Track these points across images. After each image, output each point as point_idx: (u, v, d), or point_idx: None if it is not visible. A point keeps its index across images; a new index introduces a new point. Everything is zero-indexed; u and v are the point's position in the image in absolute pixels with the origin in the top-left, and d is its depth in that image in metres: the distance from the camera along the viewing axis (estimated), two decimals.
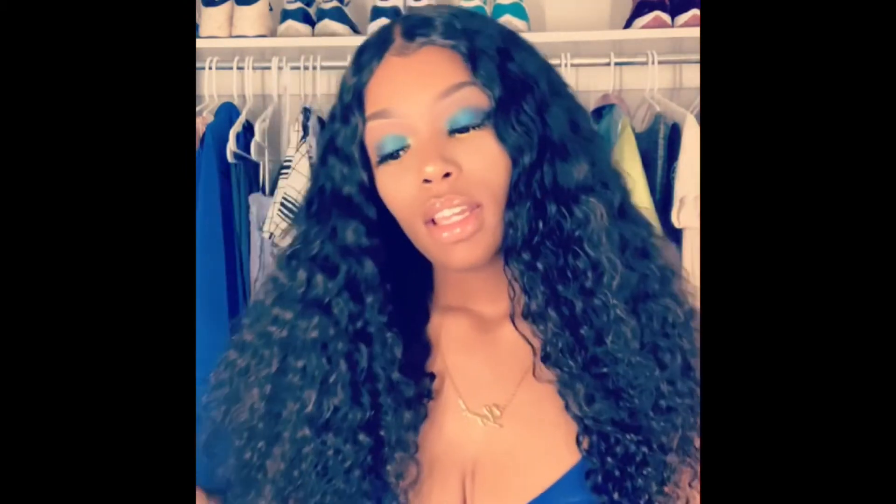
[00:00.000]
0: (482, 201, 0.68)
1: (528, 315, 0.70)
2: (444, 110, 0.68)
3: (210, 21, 1.87)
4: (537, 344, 0.71)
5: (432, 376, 0.74)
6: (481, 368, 0.75)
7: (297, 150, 1.74)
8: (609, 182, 0.71)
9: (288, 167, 1.75)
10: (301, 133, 1.75)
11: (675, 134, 1.72)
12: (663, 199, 1.72)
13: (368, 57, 0.71)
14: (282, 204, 1.72)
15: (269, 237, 1.72)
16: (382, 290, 0.72)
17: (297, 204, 1.72)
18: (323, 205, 0.73)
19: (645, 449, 0.68)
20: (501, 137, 0.67)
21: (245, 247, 1.80)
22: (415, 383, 0.72)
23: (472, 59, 0.68)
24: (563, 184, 0.68)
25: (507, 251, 0.69)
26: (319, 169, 0.74)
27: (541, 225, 0.68)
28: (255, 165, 1.84)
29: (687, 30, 1.83)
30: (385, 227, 0.72)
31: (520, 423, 0.73)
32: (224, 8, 1.88)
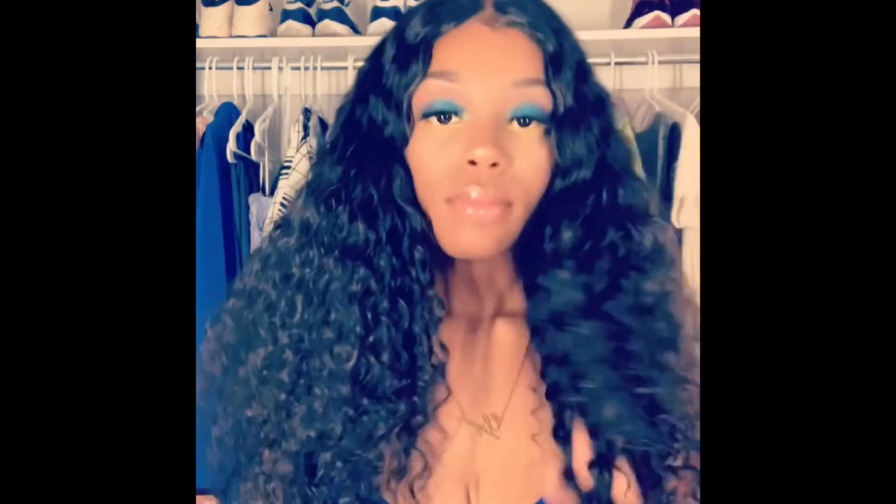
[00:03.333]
0: (514, 201, 0.65)
1: (556, 325, 0.67)
2: (513, 98, 0.64)
3: (210, 21, 1.87)
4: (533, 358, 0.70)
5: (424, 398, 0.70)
6: (476, 375, 0.73)
7: (298, 150, 1.74)
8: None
9: (288, 167, 1.75)
10: (301, 133, 1.76)
11: (675, 134, 1.72)
12: (663, 199, 1.72)
13: (449, 12, 0.67)
14: (282, 204, 1.71)
15: None
16: (428, 246, 0.67)
17: None
18: (364, 146, 0.68)
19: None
20: (560, 144, 0.65)
21: (245, 247, 1.80)
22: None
23: (555, 62, 0.66)
24: (628, 205, 0.68)
25: (549, 260, 0.67)
26: (356, 105, 0.69)
27: (589, 242, 0.67)
28: (255, 165, 1.84)
29: (687, 30, 1.83)
30: None
31: (517, 430, 0.71)
32: (224, 8, 1.88)
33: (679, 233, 1.70)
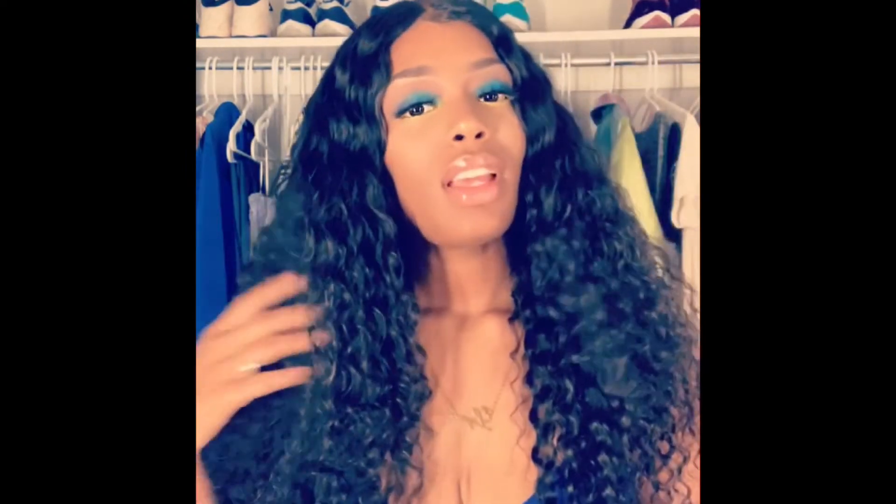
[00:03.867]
0: (503, 169, 0.68)
1: (559, 290, 0.70)
2: (477, 77, 0.69)
3: (210, 21, 1.87)
4: (521, 335, 0.73)
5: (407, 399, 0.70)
6: (467, 369, 0.75)
7: None
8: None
9: (288, 167, 1.74)
10: None
11: (675, 134, 1.72)
12: (663, 199, 1.72)
13: (393, 20, 0.71)
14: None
15: None
16: (400, 252, 0.69)
17: None
18: (324, 168, 0.70)
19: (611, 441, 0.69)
20: (524, 112, 0.70)
21: (245, 247, 1.80)
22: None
23: (503, 43, 0.72)
24: (587, 170, 0.73)
25: (537, 227, 0.71)
26: (312, 135, 0.72)
27: (569, 206, 0.71)
28: (255, 165, 1.84)
29: (687, 30, 1.83)
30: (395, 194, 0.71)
31: (508, 424, 0.72)
32: (224, 8, 1.88)
33: (679, 233, 1.70)
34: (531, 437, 0.71)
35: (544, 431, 0.71)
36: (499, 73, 0.70)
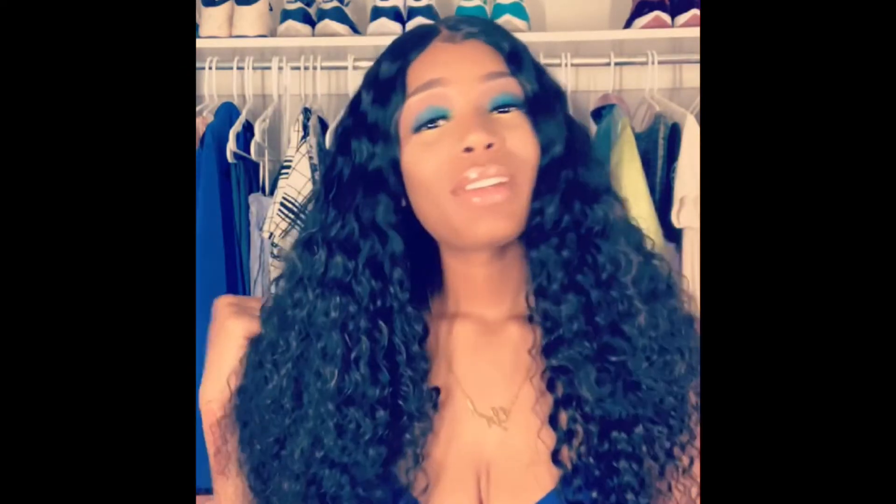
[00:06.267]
0: (515, 174, 0.70)
1: (544, 297, 0.73)
2: (487, 90, 0.72)
3: (210, 21, 1.87)
4: (539, 335, 0.74)
5: (437, 390, 0.76)
6: (487, 371, 0.77)
7: (298, 150, 1.74)
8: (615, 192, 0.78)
9: (288, 167, 1.75)
10: (301, 133, 1.75)
11: (675, 134, 1.72)
12: (663, 199, 1.72)
13: (411, 45, 0.75)
14: (282, 204, 1.72)
15: (269, 237, 1.73)
16: (404, 267, 0.74)
17: (297, 204, 1.72)
18: (343, 188, 0.75)
19: (630, 448, 0.71)
20: (536, 124, 0.72)
21: (245, 247, 1.80)
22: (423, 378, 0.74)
23: (513, 59, 0.74)
24: (587, 183, 0.74)
25: (536, 234, 0.73)
26: (337, 156, 0.77)
27: (566, 217, 0.72)
28: (255, 165, 1.84)
29: (687, 30, 1.83)
30: (405, 212, 0.75)
31: (526, 421, 0.75)
32: (224, 8, 1.88)
33: (679, 233, 1.70)
34: (550, 434, 0.74)
35: (566, 435, 0.73)
36: (509, 86, 0.72)
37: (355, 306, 0.72)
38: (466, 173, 0.69)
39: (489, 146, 0.69)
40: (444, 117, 0.71)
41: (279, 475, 0.74)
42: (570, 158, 0.74)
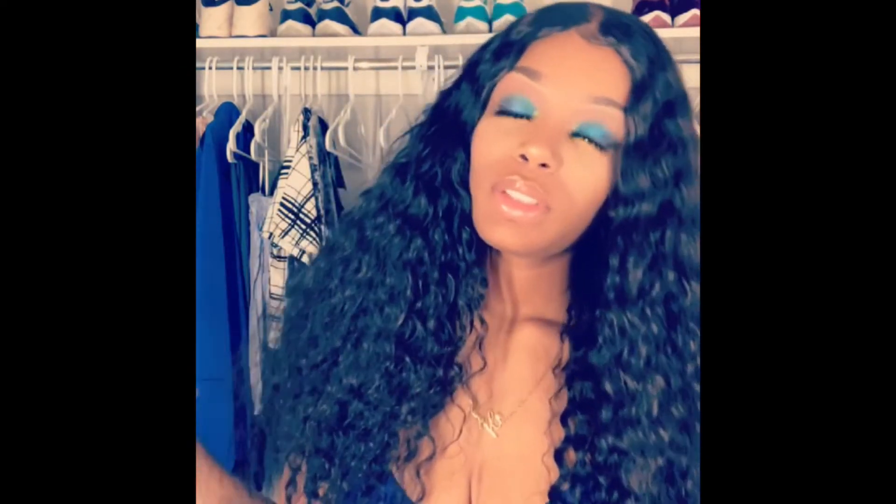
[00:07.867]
0: (554, 207, 0.66)
1: (619, 368, 0.68)
2: (582, 113, 0.66)
3: (210, 21, 1.87)
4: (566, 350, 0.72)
5: (460, 366, 0.74)
6: (499, 371, 0.75)
7: (297, 150, 1.74)
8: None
9: (288, 167, 1.75)
10: (301, 133, 1.76)
11: None
12: None
13: (555, 17, 0.70)
14: (281, 204, 1.72)
15: (269, 237, 1.73)
16: (473, 230, 0.70)
17: (297, 204, 1.72)
18: (442, 128, 0.73)
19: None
20: (625, 172, 0.66)
21: (245, 247, 1.80)
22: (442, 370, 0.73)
23: (638, 90, 0.67)
24: (684, 258, 0.67)
25: (616, 296, 0.68)
26: (452, 91, 0.74)
27: (657, 286, 0.67)
28: (255, 165, 1.84)
29: (687, 30, 1.82)
30: None
31: (525, 429, 0.73)
32: (224, 8, 1.88)
33: None
34: (549, 449, 0.71)
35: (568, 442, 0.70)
36: (607, 120, 0.66)
37: (429, 254, 0.71)
38: (511, 177, 0.65)
39: (543, 165, 0.64)
40: (528, 116, 0.67)
41: (308, 394, 0.73)
42: (664, 223, 0.67)
